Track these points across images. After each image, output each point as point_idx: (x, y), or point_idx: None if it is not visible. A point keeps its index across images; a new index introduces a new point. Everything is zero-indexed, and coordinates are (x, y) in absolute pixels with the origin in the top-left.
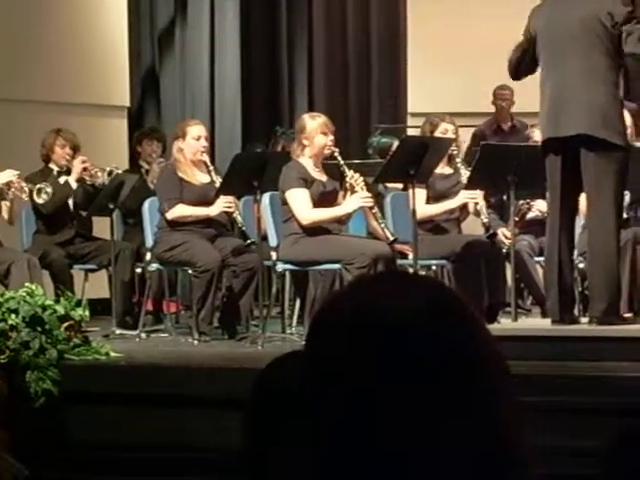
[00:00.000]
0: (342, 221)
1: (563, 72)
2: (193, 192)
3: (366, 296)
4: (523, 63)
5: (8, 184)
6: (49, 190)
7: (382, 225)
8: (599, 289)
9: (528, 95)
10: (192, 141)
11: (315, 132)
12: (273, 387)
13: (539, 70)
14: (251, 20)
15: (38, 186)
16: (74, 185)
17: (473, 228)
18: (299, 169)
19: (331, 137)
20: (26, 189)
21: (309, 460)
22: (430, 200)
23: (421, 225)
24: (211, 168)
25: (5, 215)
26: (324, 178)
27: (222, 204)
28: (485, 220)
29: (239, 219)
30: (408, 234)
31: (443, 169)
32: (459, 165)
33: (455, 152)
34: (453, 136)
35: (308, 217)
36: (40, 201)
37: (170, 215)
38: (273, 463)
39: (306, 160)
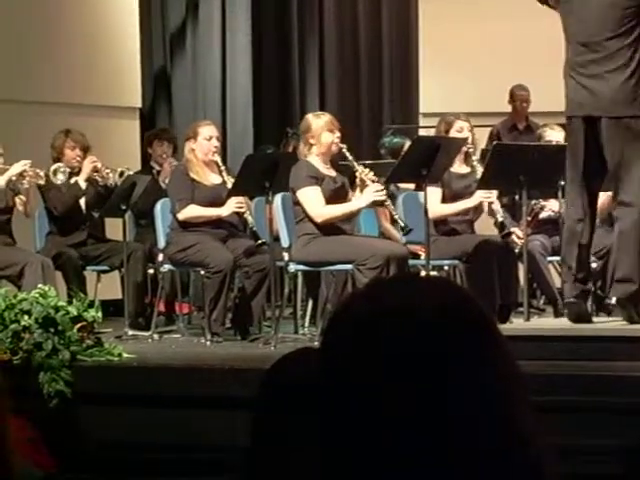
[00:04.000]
0: (353, 215)
1: (589, 61)
2: (205, 193)
3: (381, 297)
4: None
5: (22, 174)
6: (64, 169)
7: (396, 216)
8: (626, 269)
9: (544, 95)
10: (204, 141)
11: (321, 130)
12: (281, 384)
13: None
14: (262, 21)
15: (53, 167)
16: (83, 185)
17: (485, 228)
18: (308, 167)
19: (337, 134)
20: (42, 174)
21: (316, 457)
22: (446, 199)
23: (435, 226)
24: (222, 168)
25: (20, 208)
26: (333, 174)
27: (233, 204)
28: (501, 219)
29: (250, 219)
30: (421, 234)
31: (460, 168)
32: (475, 164)
33: (471, 150)
34: (469, 134)
35: (321, 214)
36: (58, 182)
37: (181, 216)
38: (280, 460)
39: (314, 159)
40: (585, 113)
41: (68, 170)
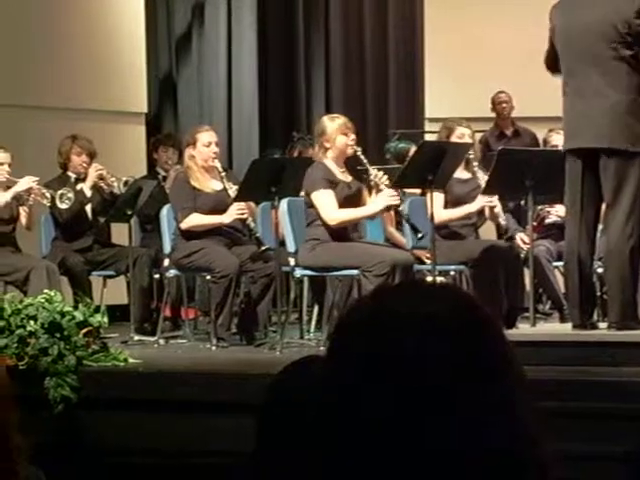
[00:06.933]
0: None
1: (582, 83)
2: (206, 200)
3: (388, 303)
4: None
5: (28, 190)
6: (71, 195)
7: (410, 222)
8: (615, 294)
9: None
10: (203, 148)
11: (335, 133)
12: (287, 391)
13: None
14: (268, 26)
15: (60, 192)
16: (88, 193)
17: (490, 233)
18: (324, 170)
19: (352, 136)
20: (47, 195)
21: (321, 463)
22: (448, 205)
23: (437, 230)
24: (223, 174)
25: (24, 221)
26: (349, 179)
27: (234, 211)
28: (503, 222)
29: (252, 225)
30: (426, 240)
31: (461, 174)
32: (476, 169)
33: (472, 156)
34: (470, 140)
35: (335, 218)
36: (63, 206)
37: (184, 225)
38: (285, 465)
39: (329, 162)
40: (580, 145)
41: (73, 197)
